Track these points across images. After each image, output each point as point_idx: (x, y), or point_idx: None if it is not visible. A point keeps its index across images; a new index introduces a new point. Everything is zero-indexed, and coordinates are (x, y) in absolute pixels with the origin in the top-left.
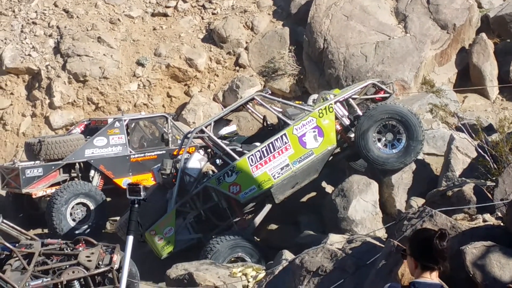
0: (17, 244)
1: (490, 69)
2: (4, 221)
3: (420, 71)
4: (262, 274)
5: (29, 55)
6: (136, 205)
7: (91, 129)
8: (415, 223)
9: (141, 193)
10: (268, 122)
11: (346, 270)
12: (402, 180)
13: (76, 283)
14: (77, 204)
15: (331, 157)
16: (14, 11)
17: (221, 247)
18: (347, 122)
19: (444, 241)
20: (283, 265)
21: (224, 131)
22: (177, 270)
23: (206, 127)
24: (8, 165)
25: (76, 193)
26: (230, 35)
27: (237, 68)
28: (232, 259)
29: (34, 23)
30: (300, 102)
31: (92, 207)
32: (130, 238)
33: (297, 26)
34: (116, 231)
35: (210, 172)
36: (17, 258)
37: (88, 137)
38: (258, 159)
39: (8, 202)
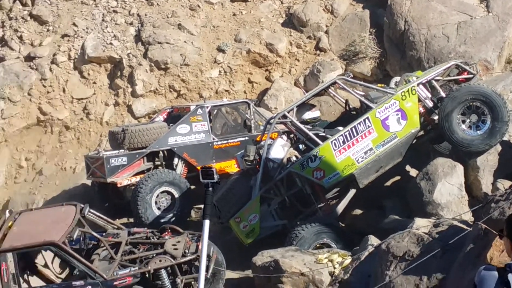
0: (104, 234)
1: None
2: (91, 210)
3: (504, 50)
4: (348, 260)
5: (111, 43)
6: (210, 188)
7: (174, 117)
8: (503, 205)
9: (214, 176)
10: (351, 106)
11: (433, 254)
12: (488, 162)
13: (163, 271)
14: (162, 192)
15: (415, 140)
16: (95, 0)
17: (306, 234)
18: (430, 104)
19: None
20: (369, 250)
21: (307, 115)
22: (263, 258)
23: (288, 112)
24: (92, 155)
25: (160, 182)
26: (310, 19)
27: (318, 52)
28: (318, 245)
29: (115, 11)
30: (383, 85)
31: (176, 195)
32: (207, 222)
33: (377, 8)
34: (201, 219)
35: (294, 158)
36: (104, 248)
37: (171, 124)
38: (341, 144)
39: (94, 191)
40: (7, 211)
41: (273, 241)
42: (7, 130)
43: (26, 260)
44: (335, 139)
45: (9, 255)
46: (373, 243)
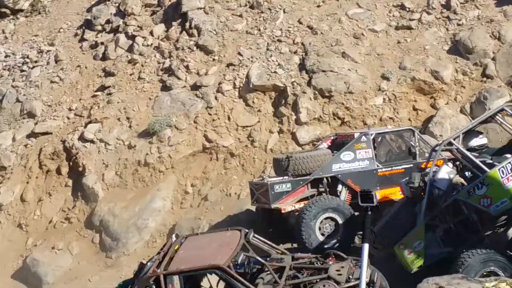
0: (268, 258)
1: None
2: (255, 235)
3: None
4: None
5: (275, 72)
6: (369, 212)
7: (338, 144)
8: None
9: (374, 200)
10: None
11: None
12: None
13: None
14: (326, 218)
15: None
16: (259, 30)
17: (473, 261)
18: None
19: None
20: None
21: (475, 142)
22: (428, 285)
23: (454, 139)
24: (257, 181)
25: (324, 208)
26: (476, 46)
27: (484, 79)
28: (484, 273)
29: (279, 40)
30: None
31: (340, 221)
32: (366, 246)
33: None
34: None
35: (460, 185)
36: (268, 272)
37: (335, 152)
38: (510, 171)
39: (258, 217)
40: (173, 235)
41: (438, 269)
42: (174, 157)
43: (192, 282)
44: (503, 166)
45: (176, 278)
46: None
